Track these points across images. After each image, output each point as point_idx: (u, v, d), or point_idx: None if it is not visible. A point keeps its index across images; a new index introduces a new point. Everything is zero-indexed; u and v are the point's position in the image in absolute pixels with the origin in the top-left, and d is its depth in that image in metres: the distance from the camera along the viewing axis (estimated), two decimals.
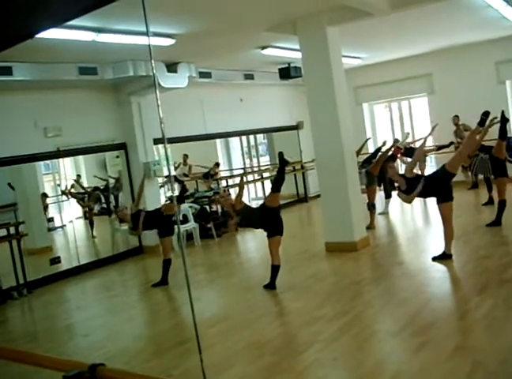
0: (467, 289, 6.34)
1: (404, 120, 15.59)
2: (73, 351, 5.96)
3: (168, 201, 11.19)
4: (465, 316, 5.42)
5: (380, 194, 11.79)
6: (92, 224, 12.69)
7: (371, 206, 10.35)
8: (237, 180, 13.68)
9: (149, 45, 2.15)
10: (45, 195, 11.58)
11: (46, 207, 11.53)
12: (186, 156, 13.61)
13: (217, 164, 13.79)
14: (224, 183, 13.26)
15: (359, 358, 4.75)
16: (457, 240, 8.28)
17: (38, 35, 2.70)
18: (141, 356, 5.50)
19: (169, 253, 8.16)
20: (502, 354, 4.37)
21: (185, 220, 10.89)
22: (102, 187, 12.73)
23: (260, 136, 16.12)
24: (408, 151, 12.36)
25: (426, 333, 4.98)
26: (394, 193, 11.21)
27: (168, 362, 5.17)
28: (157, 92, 2.34)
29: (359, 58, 13.23)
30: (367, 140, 13.08)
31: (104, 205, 13.04)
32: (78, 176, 13.38)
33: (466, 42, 12.89)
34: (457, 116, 13.47)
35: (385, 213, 11.40)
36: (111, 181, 12.49)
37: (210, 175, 13.45)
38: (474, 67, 13.58)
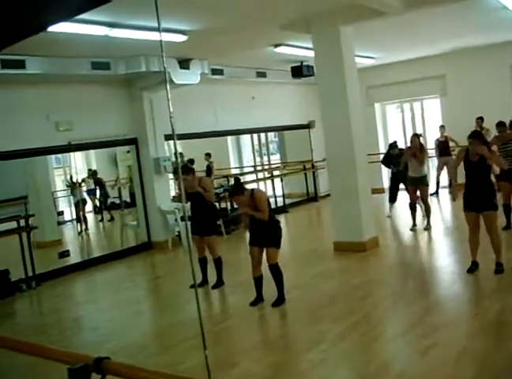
0: (476, 292, 6.31)
1: (416, 121, 15.50)
2: (80, 344, 5.98)
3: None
4: (473, 319, 5.39)
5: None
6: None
7: (413, 206, 9.95)
8: (248, 177, 13.66)
9: (161, 41, 2.14)
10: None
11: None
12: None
13: (208, 154, 13.61)
14: (233, 181, 13.20)
15: (366, 359, 4.74)
16: (466, 243, 8.24)
17: (51, 29, 2.71)
18: (147, 350, 5.52)
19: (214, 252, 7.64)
20: (509, 359, 4.34)
21: None
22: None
23: (271, 135, 16.11)
24: (441, 144, 12.42)
25: (433, 335, 4.95)
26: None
27: (174, 357, 5.19)
28: (168, 87, 2.30)
29: (372, 57, 13.18)
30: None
31: (115, 201, 13.13)
32: (90, 171, 13.46)
33: (480, 43, 12.79)
34: (480, 118, 12.68)
35: (389, 216, 11.32)
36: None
37: (208, 168, 13.38)
38: (488, 69, 13.45)
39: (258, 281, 6.55)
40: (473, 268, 6.76)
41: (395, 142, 11.18)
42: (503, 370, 4.16)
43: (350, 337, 5.21)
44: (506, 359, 4.33)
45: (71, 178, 12.51)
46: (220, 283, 7.54)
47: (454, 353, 4.51)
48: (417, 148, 9.72)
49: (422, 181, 9.79)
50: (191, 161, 12.06)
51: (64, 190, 12.54)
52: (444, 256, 8.28)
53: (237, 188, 6.40)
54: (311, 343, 5.15)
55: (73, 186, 12.39)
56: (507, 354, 4.44)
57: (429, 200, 10.09)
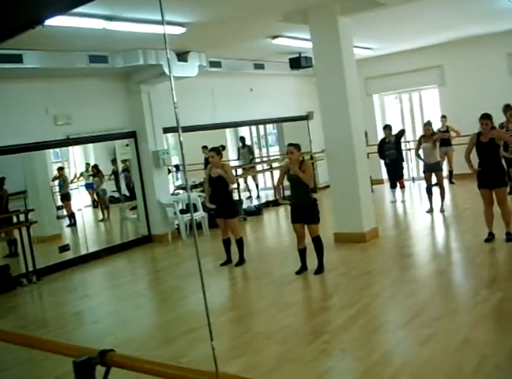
0: (476, 281, 6.31)
1: (415, 112, 15.47)
2: (82, 338, 5.98)
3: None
4: (474, 308, 5.40)
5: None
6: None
7: (430, 190, 10.30)
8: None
9: (164, 34, 2.13)
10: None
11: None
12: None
13: (205, 147, 13.59)
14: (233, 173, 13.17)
15: (367, 349, 4.75)
16: (466, 232, 8.27)
17: (48, 23, 2.68)
18: (149, 344, 5.52)
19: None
20: (510, 348, 4.35)
21: (194, 209, 10.92)
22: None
23: (270, 126, 16.07)
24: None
25: (434, 325, 4.97)
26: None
27: (177, 350, 5.19)
28: (172, 78, 2.29)
29: (370, 48, 13.13)
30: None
31: (114, 195, 13.08)
32: (87, 165, 13.40)
33: (478, 33, 12.76)
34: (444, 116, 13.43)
35: (401, 201, 11.78)
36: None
37: (206, 161, 13.32)
38: (486, 59, 13.44)
39: (303, 252, 7.25)
40: (490, 237, 7.42)
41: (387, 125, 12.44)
42: (505, 359, 4.16)
43: (351, 328, 5.22)
44: (508, 348, 4.33)
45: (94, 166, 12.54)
46: (241, 261, 8.10)
47: (455, 343, 4.52)
48: (430, 135, 10.15)
49: (436, 167, 10.22)
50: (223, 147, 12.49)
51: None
52: (443, 245, 8.30)
53: (295, 144, 7.31)
54: (313, 334, 5.17)
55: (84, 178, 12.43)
56: (508, 343, 4.44)
57: (445, 184, 10.55)
